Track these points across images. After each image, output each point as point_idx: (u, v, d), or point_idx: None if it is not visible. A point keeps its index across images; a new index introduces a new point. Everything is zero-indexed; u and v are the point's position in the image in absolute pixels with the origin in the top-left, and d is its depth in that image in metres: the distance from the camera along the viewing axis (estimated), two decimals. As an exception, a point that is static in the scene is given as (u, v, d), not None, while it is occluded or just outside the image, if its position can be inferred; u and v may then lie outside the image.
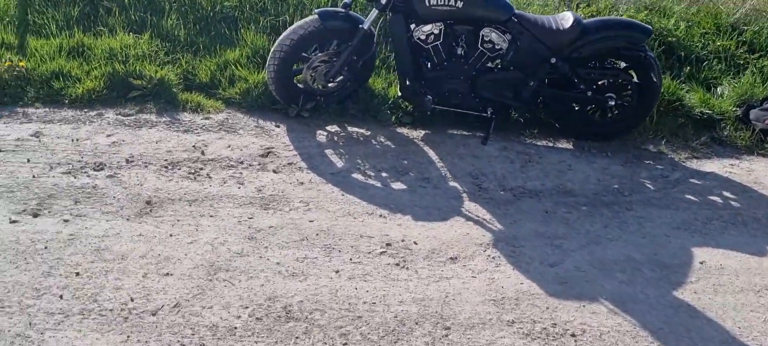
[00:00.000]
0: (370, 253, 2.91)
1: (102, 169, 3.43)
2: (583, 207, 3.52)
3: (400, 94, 4.27)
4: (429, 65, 4.17)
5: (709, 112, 4.67)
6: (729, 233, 3.43)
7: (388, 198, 3.40)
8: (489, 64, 4.18)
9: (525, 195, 3.61)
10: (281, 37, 4.12)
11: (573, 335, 2.60)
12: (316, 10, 4.09)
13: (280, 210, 3.19)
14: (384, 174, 3.65)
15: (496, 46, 4.10)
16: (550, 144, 4.26)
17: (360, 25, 4.05)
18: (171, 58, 4.68)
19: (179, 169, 3.51)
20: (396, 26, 4.04)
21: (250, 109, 4.30)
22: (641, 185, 3.86)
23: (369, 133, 4.13)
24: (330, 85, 4.22)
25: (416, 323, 2.55)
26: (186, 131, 3.94)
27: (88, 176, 3.35)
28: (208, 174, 3.48)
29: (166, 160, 3.58)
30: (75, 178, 3.32)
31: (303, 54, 4.13)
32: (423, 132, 4.22)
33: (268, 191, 3.37)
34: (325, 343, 2.42)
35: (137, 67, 4.41)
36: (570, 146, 4.26)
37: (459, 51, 4.13)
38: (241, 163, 3.63)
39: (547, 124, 4.44)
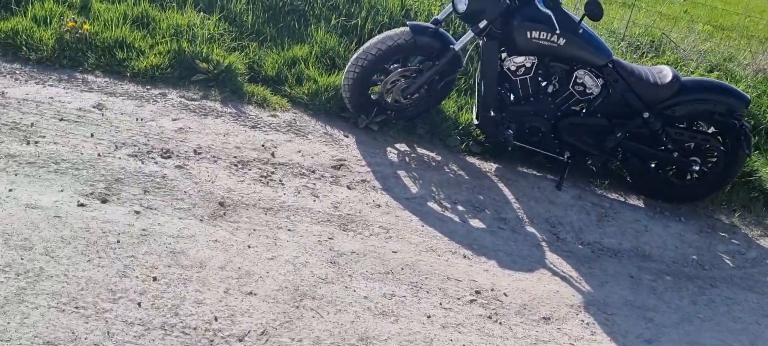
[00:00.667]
0: (459, 299, 2.68)
1: (170, 157, 3.18)
2: (667, 277, 3.30)
3: (476, 122, 4.03)
4: (512, 97, 3.94)
5: (781, 189, 4.47)
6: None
7: (469, 237, 3.16)
8: (575, 107, 3.96)
9: (604, 253, 3.39)
10: (367, 45, 3.88)
11: None
12: (408, 23, 3.85)
13: (360, 234, 2.95)
14: (460, 208, 3.42)
15: (587, 90, 3.88)
16: (622, 199, 4.04)
17: (451, 46, 3.82)
18: (237, 44, 4.45)
19: (250, 169, 3.26)
20: (489, 53, 3.81)
21: (316, 112, 4.06)
22: (720, 259, 3.64)
23: (440, 158, 3.90)
24: (404, 101, 3.99)
25: (512, 389, 2.33)
26: (253, 127, 3.69)
27: (156, 164, 3.10)
28: (280, 180, 3.23)
29: (235, 157, 3.33)
30: (142, 163, 3.07)
31: (384, 65, 3.90)
32: (495, 165, 3.99)
33: (345, 209, 3.13)
34: (418, 398, 2.19)
35: (203, 50, 4.17)
36: (641, 204, 4.04)
37: (548, 88, 3.91)
38: (313, 172, 3.39)
39: (618, 176, 4.23)
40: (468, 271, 2.88)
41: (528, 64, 3.86)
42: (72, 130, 3.20)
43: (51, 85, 3.59)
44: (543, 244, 3.32)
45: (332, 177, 3.39)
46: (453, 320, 2.55)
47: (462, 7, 3.76)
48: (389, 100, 4.00)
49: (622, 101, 3.89)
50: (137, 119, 3.46)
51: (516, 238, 3.28)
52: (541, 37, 3.70)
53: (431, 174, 3.68)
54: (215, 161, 3.25)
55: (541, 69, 3.89)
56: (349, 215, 3.09)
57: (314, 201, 3.13)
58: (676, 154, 3.95)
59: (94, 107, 3.47)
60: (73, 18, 4.10)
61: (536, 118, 3.93)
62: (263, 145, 3.52)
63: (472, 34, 3.78)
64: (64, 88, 3.60)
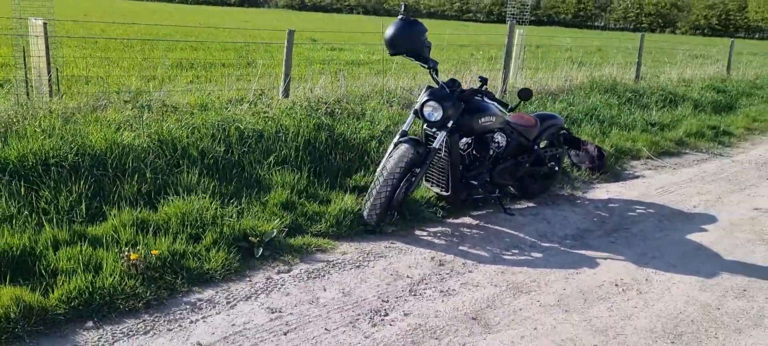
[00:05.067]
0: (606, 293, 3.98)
1: (387, 313, 3.51)
2: (614, 234, 5.10)
3: (446, 193, 5.11)
4: (461, 167, 5.16)
5: (556, 162, 6.76)
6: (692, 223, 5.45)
7: (564, 259, 4.40)
8: (496, 157, 5.40)
9: (580, 238, 4.96)
10: (389, 168, 4.57)
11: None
12: (404, 140, 4.68)
13: (533, 292, 3.92)
14: (515, 250, 4.58)
15: (501, 144, 5.36)
16: (526, 205, 5.70)
17: (432, 147, 4.81)
18: (237, 210, 4.50)
19: (425, 289, 3.81)
20: (455, 143, 4.92)
21: (349, 237, 4.58)
22: (603, 216, 5.57)
23: (448, 229, 4.90)
24: (404, 198, 4.83)
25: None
26: (357, 267, 4.10)
27: (397, 321, 3.44)
28: (462, 283, 3.89)
29: (404, 288, 3.81)
30: (387, 326, 3.39)
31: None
32: (469, 219, 5.18)
33: (513, 277, 4.00)
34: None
35: (238, 226, 4.21)
36: (532, 204, 5.77)
37: (483, 153, 5.25)
38: (450, 273, 4.07)
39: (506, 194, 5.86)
40: (613, 270, 4.17)
41: (469, 141, 5.15)
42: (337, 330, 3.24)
43: (200, 319, 3.35)
44: (570, 246, 4.70)
45: (461, 267, 4.16)
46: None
47: (437, 116, 4.80)
48: (394, 202, 4.78)
49: (518, 144, 5.52)
50: (310, 303, 3.58)
51: (563, 251, 4.61)
52: (487, 121, 5.04)
53: (473, 240, 4.68)
54: (407, 297, 3.71)
55: (477, 142, 5.22)
56: (516, 282, 4.00)
57: (495, 286, 3.91)
58: (547, 166, 5.80)
59: (274, 311, 3.44)
60: (135, 249, 3.66)
61: (481, 175, 5.24)
62: (391, 274, 4.02)
63: (445, 133, 4.86)
64: (217, 313, 3.40)
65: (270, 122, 5.73)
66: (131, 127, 5.09)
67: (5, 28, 9.29)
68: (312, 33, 25.40)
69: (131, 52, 14.93)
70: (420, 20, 4.94)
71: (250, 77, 9.15)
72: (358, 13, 78.29)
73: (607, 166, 6.98)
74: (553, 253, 4.59)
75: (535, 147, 5.61)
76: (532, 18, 10.29)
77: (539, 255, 4.53)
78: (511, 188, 5.82)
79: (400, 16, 4.87)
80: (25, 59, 6.51)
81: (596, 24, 73.40)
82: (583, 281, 4.10)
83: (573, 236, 5.00)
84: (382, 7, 78.02)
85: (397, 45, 4.82)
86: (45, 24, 6.41)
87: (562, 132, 5.97)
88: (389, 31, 4.82)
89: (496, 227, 5.03)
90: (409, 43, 4.84)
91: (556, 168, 5.92)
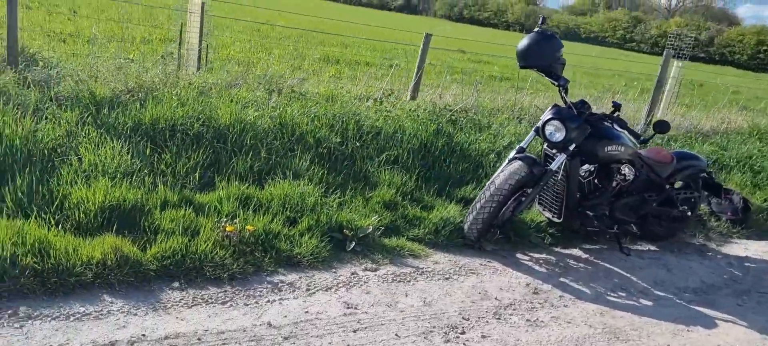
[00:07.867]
0: None
1: (464, 332, 3.33)
2: (744, 296, 4.52)
3: (558, 220, 4.77)
4: (578, 196, 4.80)
5: (693, 209, 6.12)
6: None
7: (677, 313, 3.97)
8: (619, 191, 4.98)
9: (702, 293, 4.43)
10: (497, 183, 4.34)
11: None
12: (519, 158, 4.43)
13: (631, 342, 3.55)
14: (622, 293, 4.17)
15: (627, 177, 4.93)
16: (647, 248, 5.20)
17: (549, 169, 4.51)
18: (339, 201, 4.48)
19: (512, 315, 3.57)
20: (575, 168, 4.58)
21: (446, 247, 4.41)
22: (735, 275, 4.96)
23: (553, 258, 4.57)
24: (512, 216, 4.57)
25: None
26: (446, 279, 3.93)
27: (469, 342, 3.25)
28: (551, 316, 3.62)
29: (489, 311, 3.59)
30: (460, 345, 3.20)
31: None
32: (578, 251, 4.81)
33: (610, 320, 3.66)
34: None
35: (334, 218, 4.18)
36: (654, 247, 5.25)
37: (605, 183, 4.86)
38: (542, 305, 3.78)
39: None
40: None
41: (591, 169, 4.78)
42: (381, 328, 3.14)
43: (277, 300, 3.34)
44: (689, 303, 4.20)
45: (557, 299, 3.87)
46: None
47: (559, 137, 4.49)
48: (498, 221, 4.53)
49: (648, 180, 5.04)
50: (388, 305, 3.47)
51: (677, 304, 4.15)
52: (613, 150, 4.65)
53: (578, 273, 4.34)
54: (490, 319, 3.49)
55: (600, 170, 4.84)
56: (615, 326, 3.65)
57: (589, 326, 3.60)
58: (680, 208, 5.27)
59: (350, 307, 3.37)
60: (233, 222, 3.76)
61: (601, 207, 4.85)
62: (479, 293, 3.80)
63: (565, 156, 4.53)
64: (295, 298, 3.39)
65: (390, 121, 5.69)
66: (257, 107, 5.26)
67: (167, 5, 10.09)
68: (463, 43, 25.22)
69: (286, 43, 15.66)
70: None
71: (386, 77, 9.23)
72: (514, 30, 76.93)
73: (752, 222, 6.22)
74: (665, 303, 4.13)
75: (667, 186, 5.10)
76: (702, 55, 9.45)
77: (649, 303, 4.10)
78: (633, 227, 5.33)
79: (536, 29, 4.61)
80: (181, 34, 6.98)
81: (777, 69, 66.67)
82: (693, 341, 3.65)
83: (694, 289, 4.49)
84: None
85: (528, 57, 4.57)
86: (203, 4, 6.83)
87: (702, 175, 5.38)
88: (523, 43, 4.58)
89: (607, 265, 4.63)
90: (541, 57, 4.56)
91: (689, 213, 5.35)
